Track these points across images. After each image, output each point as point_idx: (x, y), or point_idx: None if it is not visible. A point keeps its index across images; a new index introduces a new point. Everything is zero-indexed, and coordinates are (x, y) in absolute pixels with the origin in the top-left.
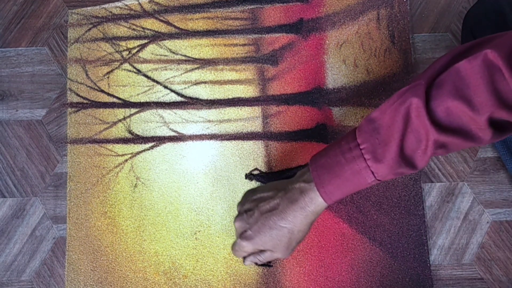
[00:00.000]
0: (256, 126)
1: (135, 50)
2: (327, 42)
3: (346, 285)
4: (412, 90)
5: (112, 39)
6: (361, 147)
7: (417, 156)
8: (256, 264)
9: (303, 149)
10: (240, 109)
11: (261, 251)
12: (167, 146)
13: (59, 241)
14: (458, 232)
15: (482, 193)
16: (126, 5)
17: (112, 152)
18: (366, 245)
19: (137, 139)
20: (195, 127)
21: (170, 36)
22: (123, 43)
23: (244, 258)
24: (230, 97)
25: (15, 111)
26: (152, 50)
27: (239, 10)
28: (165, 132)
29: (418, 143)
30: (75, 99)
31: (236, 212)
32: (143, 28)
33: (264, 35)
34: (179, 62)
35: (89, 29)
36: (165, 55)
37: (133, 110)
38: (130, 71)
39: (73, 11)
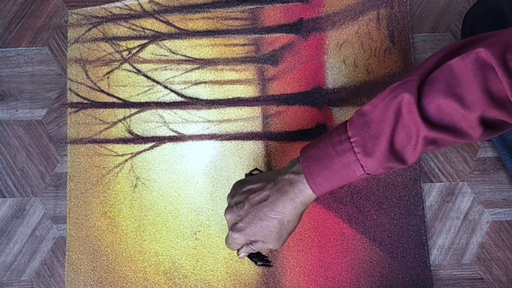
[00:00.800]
0: (256, 126)
1: (135, 50)
2: (327, 42)
3: (346, 285)
4: (404, 86)
5: (112, 39)
6: (351, 140)
7: (407, 152)
8: (256, 264)
9: None
10: (240, 109)
11: (254, 241)
12: (167, 146)
13: (59, 241)
14: (458, 232)
15: (482, 193)
16: (126, 5)
17: (112, 152)
18: (366, 245)
19: (137, 139)
20: (195, 127)
21: (170, 36)
22: (123, 43)
23: (238, 251)
24: (230, 97)
25: (15, 111)
26: (152, 50)
27: (239, 10)
28: (165, 132)
29: (409, 139)
30: (75, 99)
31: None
32: (143, 28)
33: (264, 35)
34: (179, 62)
35: (89, 29)
36: (165, 55)
37: (133, 110)
38: (130, 71)
39: (73, 11)
